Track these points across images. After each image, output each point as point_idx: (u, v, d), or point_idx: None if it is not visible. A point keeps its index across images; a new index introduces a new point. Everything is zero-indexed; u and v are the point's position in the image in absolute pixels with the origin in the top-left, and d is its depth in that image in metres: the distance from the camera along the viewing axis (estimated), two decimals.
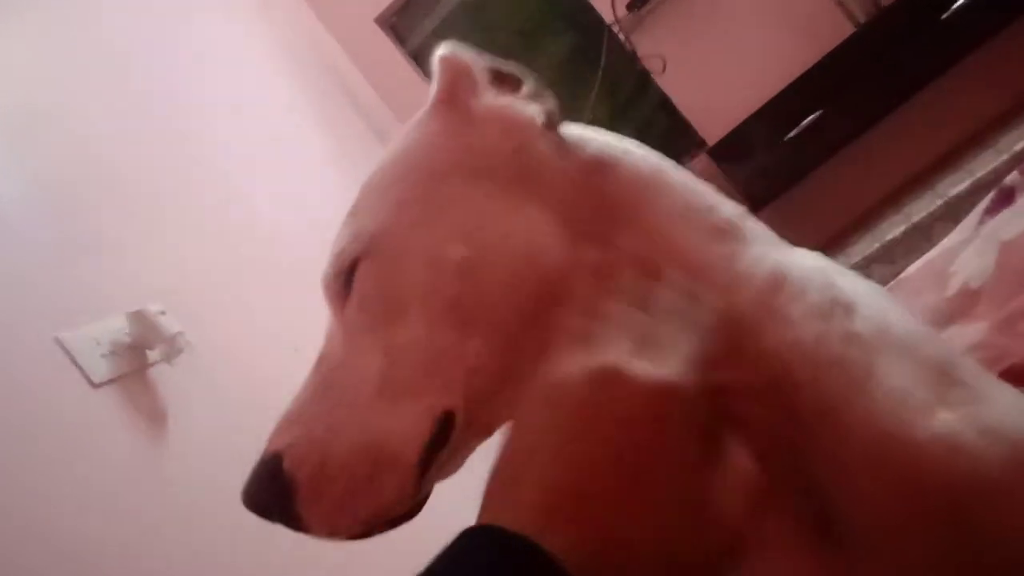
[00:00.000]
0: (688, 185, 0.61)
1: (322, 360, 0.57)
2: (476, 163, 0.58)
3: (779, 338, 0.54)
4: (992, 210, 1.22)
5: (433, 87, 0.61)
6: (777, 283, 0.57)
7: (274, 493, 0.52)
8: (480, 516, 0.41)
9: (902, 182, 2.66)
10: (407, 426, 0.52)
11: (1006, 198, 1.23)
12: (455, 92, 0.60)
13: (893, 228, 2.37)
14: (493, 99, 0.60)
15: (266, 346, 1.64)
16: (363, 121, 2.98)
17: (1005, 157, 2.14)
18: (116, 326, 1.36)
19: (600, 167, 0.60)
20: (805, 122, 2.61)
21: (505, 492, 0.43)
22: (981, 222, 1.22)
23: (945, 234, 1.34)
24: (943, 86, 2.53)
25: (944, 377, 0.55)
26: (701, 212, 0.59)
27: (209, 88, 2.18)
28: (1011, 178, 1.25)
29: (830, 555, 0.52)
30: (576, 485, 0.41)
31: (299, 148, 2.49)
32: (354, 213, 0.60)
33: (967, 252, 1.07)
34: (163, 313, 1.38)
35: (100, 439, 1.26)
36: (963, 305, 0.85)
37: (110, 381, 1.31)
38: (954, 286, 1.01)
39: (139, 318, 1.36)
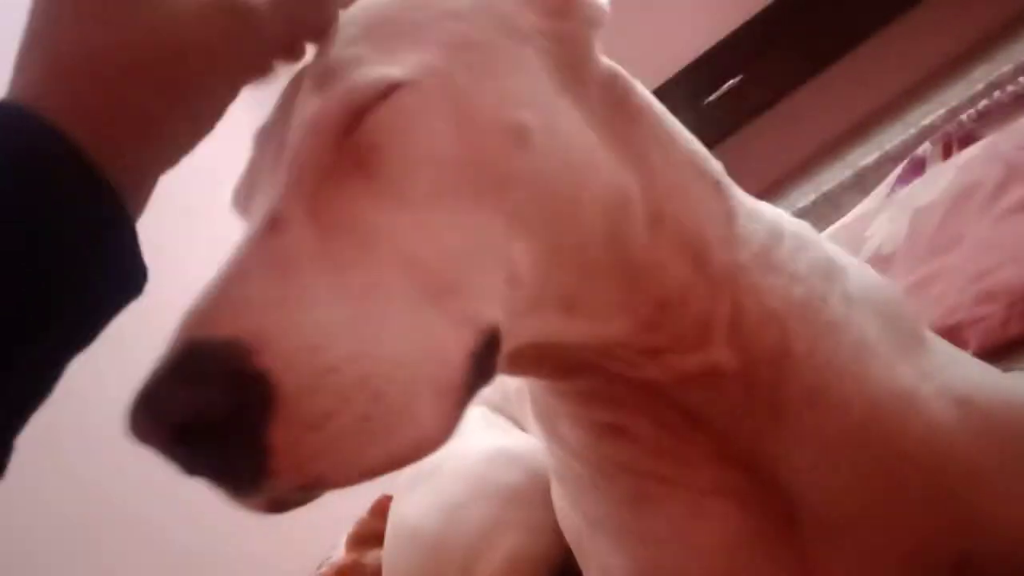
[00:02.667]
0: (680, 125, 0.54)
1: (285, 223, 0.38)
2: (549, 34, 0.47)
3: (783, 295, 0.50)
4: (903, 179, 1.25)
5: None
6: (777, 240, 0.53)
7: (234, 401, 0.32)
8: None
9: (815, 151, 2.71)
10: (451, 337, 0.38)
11: (917, 168, 1.25)
12: None
13: (804, 197, 2.40)
14: None
15: None
16: None
17: (913, 131, 2.20)
18: None
19: (618, 81, 0.51)
20: (725, 87, 2.62)
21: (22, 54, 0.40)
22: (892, 191, 1.24)
23: (853, 204, 1.36)
24: (857, 59, 2.57)
25: (919, 345, 0.54)
26: (700, 158, 0.53)
27: None
28: (923, 149, 1.28)
29: (788, 549, 0.50)
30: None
31: None
32: (370, 34, 0.43)
33: (881, 218, 1.09)
34: None
35: None
36: (876, 269, 0.87)
37: None
38: (867, 251, 1.03)
39: None
